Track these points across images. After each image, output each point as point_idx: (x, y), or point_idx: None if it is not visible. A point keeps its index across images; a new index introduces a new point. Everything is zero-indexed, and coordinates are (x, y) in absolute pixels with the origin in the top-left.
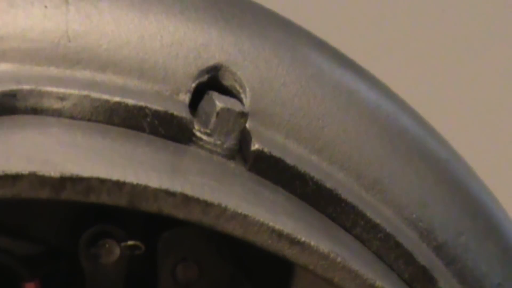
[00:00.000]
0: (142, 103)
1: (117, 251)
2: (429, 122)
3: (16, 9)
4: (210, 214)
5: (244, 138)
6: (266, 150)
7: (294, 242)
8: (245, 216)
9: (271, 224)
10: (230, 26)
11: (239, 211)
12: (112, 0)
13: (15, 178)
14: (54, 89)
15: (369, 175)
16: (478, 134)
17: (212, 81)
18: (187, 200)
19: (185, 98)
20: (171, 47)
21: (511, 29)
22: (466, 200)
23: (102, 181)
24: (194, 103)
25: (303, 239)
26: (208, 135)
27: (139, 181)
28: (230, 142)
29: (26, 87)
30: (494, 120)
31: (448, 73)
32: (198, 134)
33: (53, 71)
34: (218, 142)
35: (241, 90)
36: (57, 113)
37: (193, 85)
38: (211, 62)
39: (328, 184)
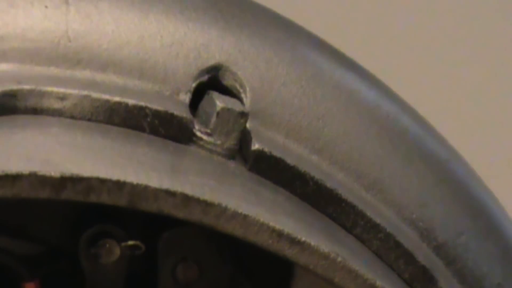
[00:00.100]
0: (142, 103)
1: (117, 251)
2: (429, 122)
3: (16, 9)
4: (210, 214)
5: (244, 138)
6: (266, 150)
7: (294, 242)
8: (245, 216)
9: (271, 224)
10: (230, 26)
11: (239, 211)
12: (112, 0)
13: (15, 178)
14: (54, 89)
15: (369, 175)
16: (478, 134)
17: (212, 81)
18: (187, 200)
19: (185, 98)
20: (171, 47)
21: (511, 29)
22: (466, 200)
23: (102, 181)
24: (194, 103)
25: (303, 239)
26: (209, 135)
27: (139, 181)
28: (230, 142)
29: (26, 87)
30: (494, 120)
31: (448, 73)
32: (198, 134)
33: (53, 71)
34: (218, 142)
35: (241, 90)
36: (57, 113)
37: (193, 85)
38: (211, 62)
39: (328, 184)
